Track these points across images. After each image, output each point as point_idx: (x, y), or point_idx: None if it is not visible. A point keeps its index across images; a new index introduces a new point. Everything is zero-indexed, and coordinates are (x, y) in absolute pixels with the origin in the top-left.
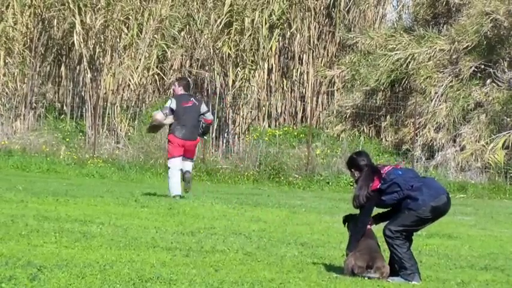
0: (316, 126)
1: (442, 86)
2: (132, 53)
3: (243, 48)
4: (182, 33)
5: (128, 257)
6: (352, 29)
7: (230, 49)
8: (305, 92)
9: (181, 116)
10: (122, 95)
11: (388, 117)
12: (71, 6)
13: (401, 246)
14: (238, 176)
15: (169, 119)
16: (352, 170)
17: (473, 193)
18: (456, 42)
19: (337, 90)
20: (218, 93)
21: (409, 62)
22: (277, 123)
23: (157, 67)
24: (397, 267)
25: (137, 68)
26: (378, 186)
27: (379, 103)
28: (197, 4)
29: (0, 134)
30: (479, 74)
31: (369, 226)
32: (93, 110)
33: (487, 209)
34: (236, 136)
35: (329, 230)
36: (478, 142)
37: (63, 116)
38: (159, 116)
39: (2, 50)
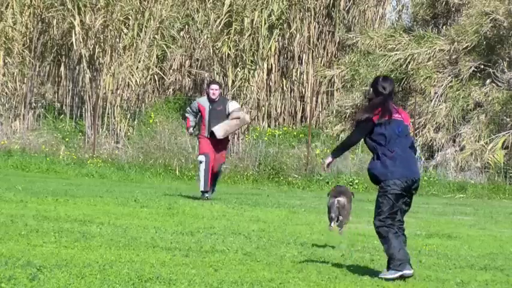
0: (315, 126)
1: (441, 86)
2: (132, 53)
3: (243, 48)
4: (182, 33)
5: (128, 257)
6: (351, 29)
7: (230, 49)
8: (304, 92)
9: None
10: (122, 95)
11: None
12: (69, 6)
13: (395, 236)
14: (237, 176)
15: None
16: (371, 89)
17: (472, 193)
18: (456, 43)
19: (336, 90)
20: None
21: (409, 62)
22: (277, 123)
23: (156, 67)
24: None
25: (137, 68)
26: (374, 121)
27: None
28: (197, 4)
29: None
30: (478, 74)
31: (330, 160)
32: (93, 110)
33: (486, 209)
34: (236, 136)
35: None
36: (478, 142)
37: (62, 116)
38: (248, 117)
39: (1, 50)
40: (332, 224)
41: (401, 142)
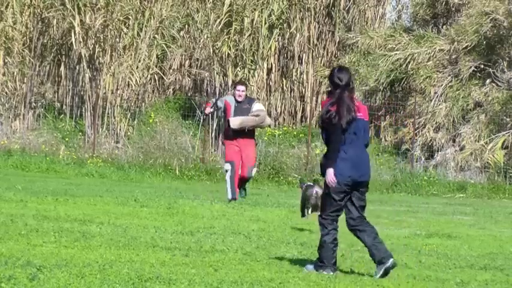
0: (315, 126)
1: (441, 86)
2: (132, 53)
3: (243, 48)
4: (182, 33)
5: (128, 256)
6: (351, 29)
7: (230, 49)
8: (304, 92)
9: None
10: (122, 94)
11: (387, 117)
12: (68, 6)
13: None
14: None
15: None
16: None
17: (472, 193)
18: (456, 42)
19: None
20: (217, 93)
21: (409, 62)
22: (277, 123)
23: (156, 67)
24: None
25: (137, 67)
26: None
27: (379, 103)
28: (197, 4)
29: None
30: (478, 74)
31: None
32: (93, 109)
33: (486, 208)
34: None
35: None
36: (478, 142)
37: (62, 115)
38: (269, 120)
39: (1, 49)
40: (309, 212)
41: (357, 142)
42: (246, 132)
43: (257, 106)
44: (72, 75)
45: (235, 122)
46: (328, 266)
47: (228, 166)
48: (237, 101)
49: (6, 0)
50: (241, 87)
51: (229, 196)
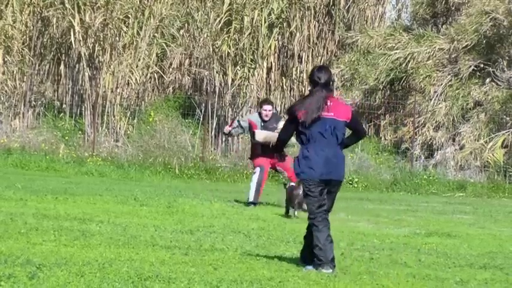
0: None
1: (441, 85)
2: (132, 52)
3: (243, 47)
4: (181, 32)
5: (127, 255)
6: (351, 28)
7: (229, 48)
8: (304, 91)
9: None
10: (121, 93)
11: (387, 116)
12: (68, 5)
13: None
14: (237, 174)
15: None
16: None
17: (472, 192)
18: (455, 41)
19: (336, 89)
20: (217, 92)
21: (409, 61)
22: None
23: (156, 65)
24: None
25: (136, 66)
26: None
27: (379, 102)
28: (196, 3)
29: None
30: (478, 73)
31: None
32: (93, 108)
33: (486, 207)
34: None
35: None
36: (477, 141)
37: (62, 114)
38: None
39: (1, 48)
40: (295, 211)
41: (323, 141)
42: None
43: (282, 124)
44: (72, 73)
45: (260, 135)
46: (326, 262)
47: (257, 169)
48: (263, 120)
49: None
50: (268, 107)
51: (251, 199)
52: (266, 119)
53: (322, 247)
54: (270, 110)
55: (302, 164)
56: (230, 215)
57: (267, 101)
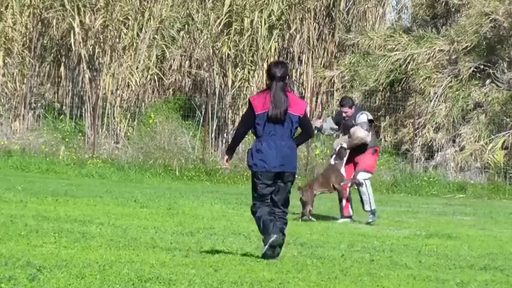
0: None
1: (441, 86)
2: (132, 53)
3: (242, 48)
4: (181, 34)
5: (127, 257)
6: (351, 30)
7: (229, 49)
8: (304, 93)
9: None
10: (121, 95)
11: (387, 117)
12: (68, 7)
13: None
14: (237, 176)
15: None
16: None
17: (472, 193)
18: (455, 43)
19: (336, 90)
20: (217, 93)
21: (409, 63)
22: None
23: (156, 67)
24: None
25: (136, 68)
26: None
27: (379, 103)
28: (196, 4)
29: None
30: (478, 75)
31: None
32: (93, 110)
33: (486, 209)
34: None
35: (328, 230)
36: (478, 142)
37: (62, 116)
38: (362, 133)
39: (1, 50)
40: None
41: (277, 135)
42: (354, 150)
43: (358, 119)
44: (72, 75)
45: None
46: (271, 232)
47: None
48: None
49: (6, 1)
50: (344, 109)
51: (373, 206)
52: (345, 116)
53: (264, 224)
54: (347, 111)
55: (255, 157)
56: (230, 216)
57: (345, 102)
